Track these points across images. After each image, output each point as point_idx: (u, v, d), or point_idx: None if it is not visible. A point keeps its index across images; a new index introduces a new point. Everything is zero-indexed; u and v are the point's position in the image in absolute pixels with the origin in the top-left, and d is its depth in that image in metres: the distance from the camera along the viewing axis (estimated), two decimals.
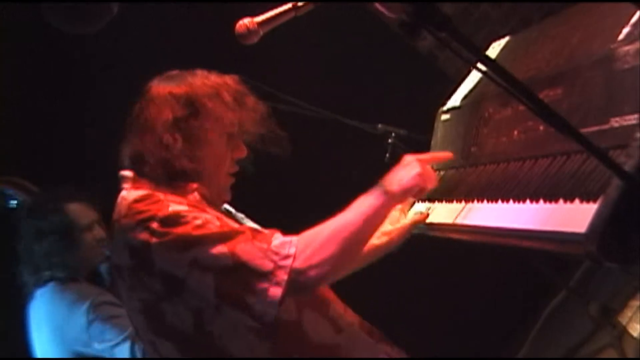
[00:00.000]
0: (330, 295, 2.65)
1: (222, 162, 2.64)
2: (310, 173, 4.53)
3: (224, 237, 2.36)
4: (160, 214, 2.38)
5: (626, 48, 2.21)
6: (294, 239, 2.39)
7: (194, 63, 2.68)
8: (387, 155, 3.81)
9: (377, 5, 2.13)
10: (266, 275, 2.32)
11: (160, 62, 2.71)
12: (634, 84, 2.13)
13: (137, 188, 2.53)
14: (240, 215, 2.88)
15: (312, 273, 2.36)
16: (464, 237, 2.70)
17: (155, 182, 2.53)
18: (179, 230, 2.36)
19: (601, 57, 2.31)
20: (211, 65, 2.68)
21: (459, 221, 2.72)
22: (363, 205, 2.49)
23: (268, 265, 2.33)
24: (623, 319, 4.06)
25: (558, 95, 2.46)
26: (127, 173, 2.59)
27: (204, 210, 2.46)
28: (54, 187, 4.12)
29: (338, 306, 2.63)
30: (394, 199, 2.57)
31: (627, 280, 4.16)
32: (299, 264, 2.34)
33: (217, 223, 2.40)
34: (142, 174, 2.56)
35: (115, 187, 2.60)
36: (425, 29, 1.94)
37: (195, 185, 2.60)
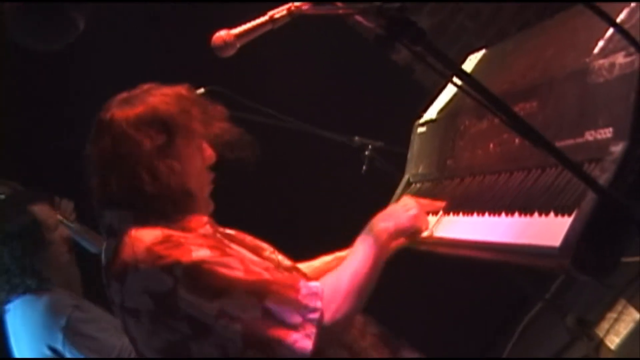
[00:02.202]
0: None
1: (202, 174, 2.61)
2: (287, 185, 4.52)
3: (252, 286, 2.33)
4: (184, 260, 2.32)
5: (601, 62, 2.21)
6: (319, 289, 2.39)
7: (170, 75, 2.66)
8: (364, 167, 3.81)
9: (356, 15, 2.13)
10: (295, 328, 2.32)
11: (136, 75, 2.68)
12: (608, 98, 2.13)
13: (144, 226, 2.45)
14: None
15: (337, 326, 2.39)
16: (439, 249, 2.69)
17: (162, 217, 2.47)
18: (205, 279, 2.32)
19: (576, 71, 2.32)
20: (188, 77, 2.67)
21: (435, 234, 2.72)
22: (367, 249, 2.51)
23: (297, 318, 2.33)
24: (600, 331, 4.07)
25: (533, 108, 2.47)
26: (119, 213, 2.51)
27: (224, 251, 2.42)
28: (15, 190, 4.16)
29: (353, 329, 2.63)
30: (390, 238, 2.59)
31: (603, 292, 4.17)
32: (326, 318, 2.35)
33: (242, 267, 2.37)
34: (138, 209, 2.48)
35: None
36: (400, 43, 1.94)
37: (205, 218, 2.58)
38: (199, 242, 2.39)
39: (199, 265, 2.32)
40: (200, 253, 2.35)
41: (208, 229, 2.56)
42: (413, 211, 2.68)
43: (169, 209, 2.48)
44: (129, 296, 2.41)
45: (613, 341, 3.98)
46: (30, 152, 4.73)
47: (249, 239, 2.82)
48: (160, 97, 2.54)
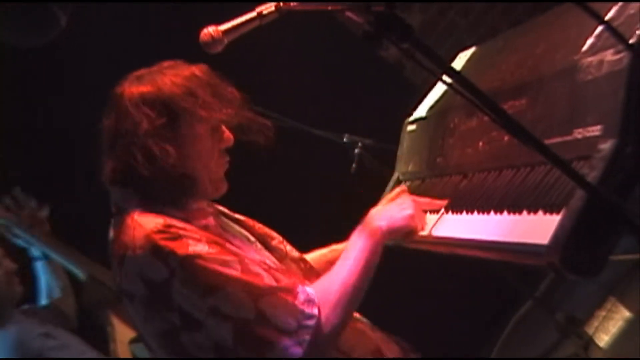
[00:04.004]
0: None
1: (211, 157, 2.56)
2: (275, 183, 4.52)
3: (247, 286, 2.31)
4: (180, 252, 2.30)
5: (590, 59, 2.21)
6: (314, 296, 2.36)
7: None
8: (354, 165, 3.81)
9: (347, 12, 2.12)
10: (289, 334, 2.30)
11: (124, 68, 2.66)
12: (597, 96, 2.13)
13: (149, 210, 2.44)
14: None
15: (331, 333, 2.36)
16: (428, 248, 2.69)
17: (167, 202, 2.46)
18: (200, 274, 2.30)
19: (565, 69, 2.32)
20: None
21: (424, 232, 2.71)
22: (360, 251, 2.47)
23: (292, 324, 2.30)
24: (589, 329, 4.07)
25: (522, 106, 2.46)
26: (124, 190, 2.51)
27: (224, 247, 2.40)
28: None
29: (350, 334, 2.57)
30: (383, 237, 2.53)
31: (593, 290, 4.17)
32: (321, 325, 2.32)
33: (239, 267, 2.34)
34: (140, 190, 2.47)
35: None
36: (388, 40, 1.93)
37: (210, 210, 2.57)
38: (198, 237, 2.37)
39: (194, 259, 2.30)
40: (198, 248, 2.33)
41: (211, 220, 2.54)
42: (409, 211, 2.61)
43: (166, 192, 2.46)
44: (126, 279, 2.41)
45: (602, 339, 3.98)
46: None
47: (258, 226, 2.83)
48: (170, 77, 2.51)
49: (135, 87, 2.51)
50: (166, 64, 2.59)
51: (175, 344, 2.38)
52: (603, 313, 4.06)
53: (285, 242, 2.81)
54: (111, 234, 2.52)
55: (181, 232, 2.36)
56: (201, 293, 2.30)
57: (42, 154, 4.73)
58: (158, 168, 2.42)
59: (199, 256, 2.31)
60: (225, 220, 2.71)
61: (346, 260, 2.47)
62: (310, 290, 2.38)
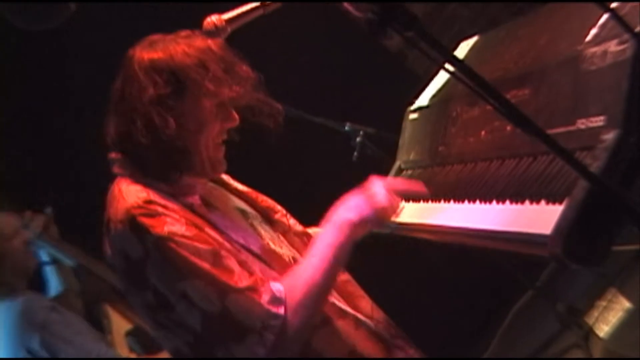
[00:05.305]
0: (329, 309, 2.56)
1: (210, 134, 2.52)
2: (277, 171, 4.51)
3: (214, 281, 2.29)
4: (155, 231, 2.30)
5: (593, 49, 2.21)
6: (282, 293, 2.34)
7: None
8: (356, 154, 3.81)
9: (345, 4, 2.12)
10: (252, 332, 2.29)
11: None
12: (601, 86, 2.13)
13: (134, 181, 2.44)
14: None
15: (297, 333, 2.34)
16: (430, 236, 2.69)
17: (152, 175, 2.45)
18: (172, 258, 2.29)
19: (568, 58, 2.31)
20: None
21: (426, 221, 2.71)
22: (327, 247, 2.43)
23: (256, 323, 2.29)
24: (589, 319, 4.07)
25: (525, 95, 2.46)
26: (120, 157, 2.50)
27: (202, 230, 2.38)
28: None
29: (342, 321, 2.56)
30: (353, 231, 2.47)
31: (594, 281, 4.18)
32: (287, 324, 2.31)
33: (211, 259, 2.31)
34: (134, 159, 2.46)
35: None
36: (392, 28, 1.93)
37: (199, 186, 2.56)
38: (177, 216, 2.36)
39: (168, 242, 2.30)
40: (174, 228, 2.32)
41: (197, 199, 2.54)
42: (379, 201, 2.52)
43: (159, 164, 2.45)
44: (111, 251, 2.43)
45: (602, 329, 3.99)
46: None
47: (261, 199, 2.83)
48: (183, 46, 2.48)
49: (146, 52, 2.49)
50: (183, 33, 2.56)
51: (156, 317, 2.40)
52: (603, 303, 4.06)
53: (288, 216, 2.80)
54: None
55: (160, 209, 2.35)
56: (172, 277, 2.31)
57: (38, 147, 4.73)
58: (156, 138, 2.41)
59: (172, 239, 2.30)
60: (223, 192, 2.71)
61: (312, 257, 2.43)
62: (278, 287, 2.36)
